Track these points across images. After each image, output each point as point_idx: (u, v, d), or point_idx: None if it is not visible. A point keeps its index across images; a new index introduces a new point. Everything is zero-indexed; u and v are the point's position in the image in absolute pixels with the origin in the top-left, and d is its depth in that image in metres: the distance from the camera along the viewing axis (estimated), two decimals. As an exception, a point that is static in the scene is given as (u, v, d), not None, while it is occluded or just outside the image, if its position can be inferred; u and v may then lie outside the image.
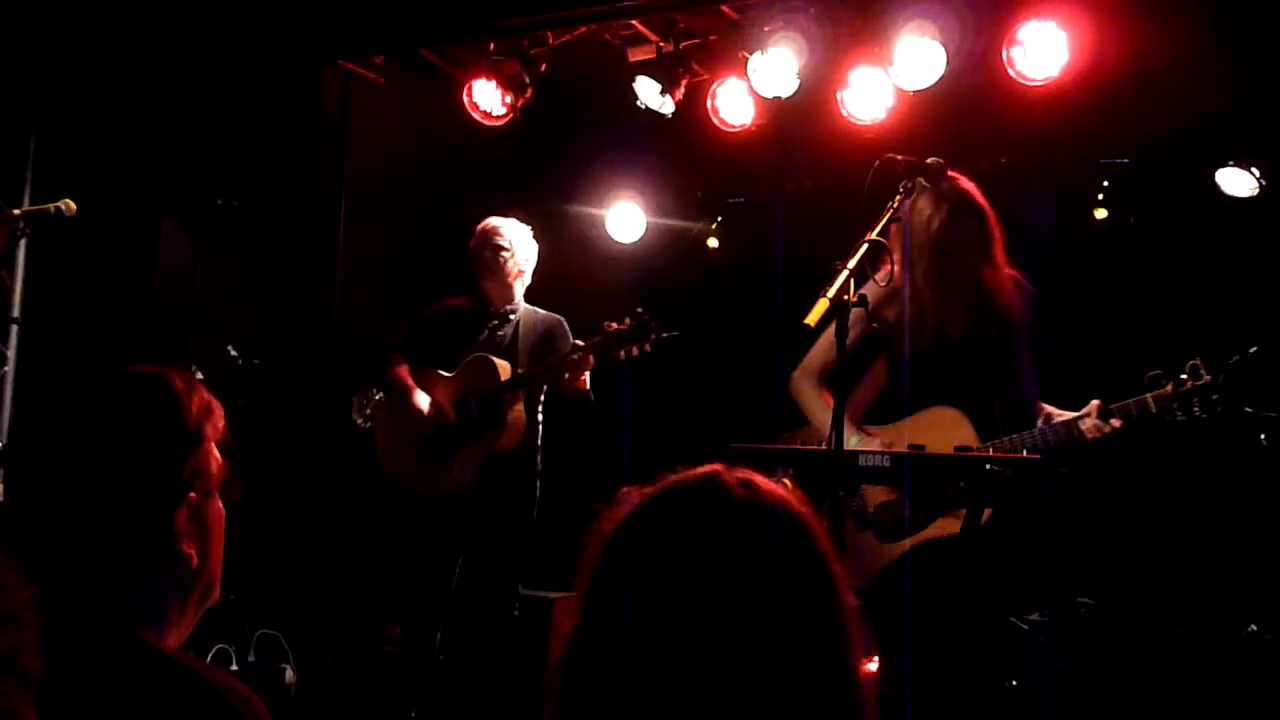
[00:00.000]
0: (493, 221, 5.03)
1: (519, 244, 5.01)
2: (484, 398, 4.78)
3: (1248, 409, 4.43)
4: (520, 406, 4.79)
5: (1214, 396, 3.49)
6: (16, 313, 5.66)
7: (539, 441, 4.96)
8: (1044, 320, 4.07)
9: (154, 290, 5.89)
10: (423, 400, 4.86)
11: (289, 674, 5.42)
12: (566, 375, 4.64)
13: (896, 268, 3.52)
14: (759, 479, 1.26)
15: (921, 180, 3.52)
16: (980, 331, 3.83)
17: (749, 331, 4.22)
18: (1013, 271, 3.87)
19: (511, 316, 5.00)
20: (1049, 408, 3.80)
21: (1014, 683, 4.42)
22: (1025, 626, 4.52)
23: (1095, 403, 3.62)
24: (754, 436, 3.98)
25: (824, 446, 3.60)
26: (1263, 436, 4.41)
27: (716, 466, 1.27)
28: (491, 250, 4.96)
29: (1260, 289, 5.16)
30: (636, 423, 6.47)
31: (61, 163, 5.72)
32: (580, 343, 4.70)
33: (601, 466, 6.03)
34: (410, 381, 4.90)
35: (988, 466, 3.34)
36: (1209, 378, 3.50)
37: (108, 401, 1.58)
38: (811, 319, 3.15)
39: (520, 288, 5.05)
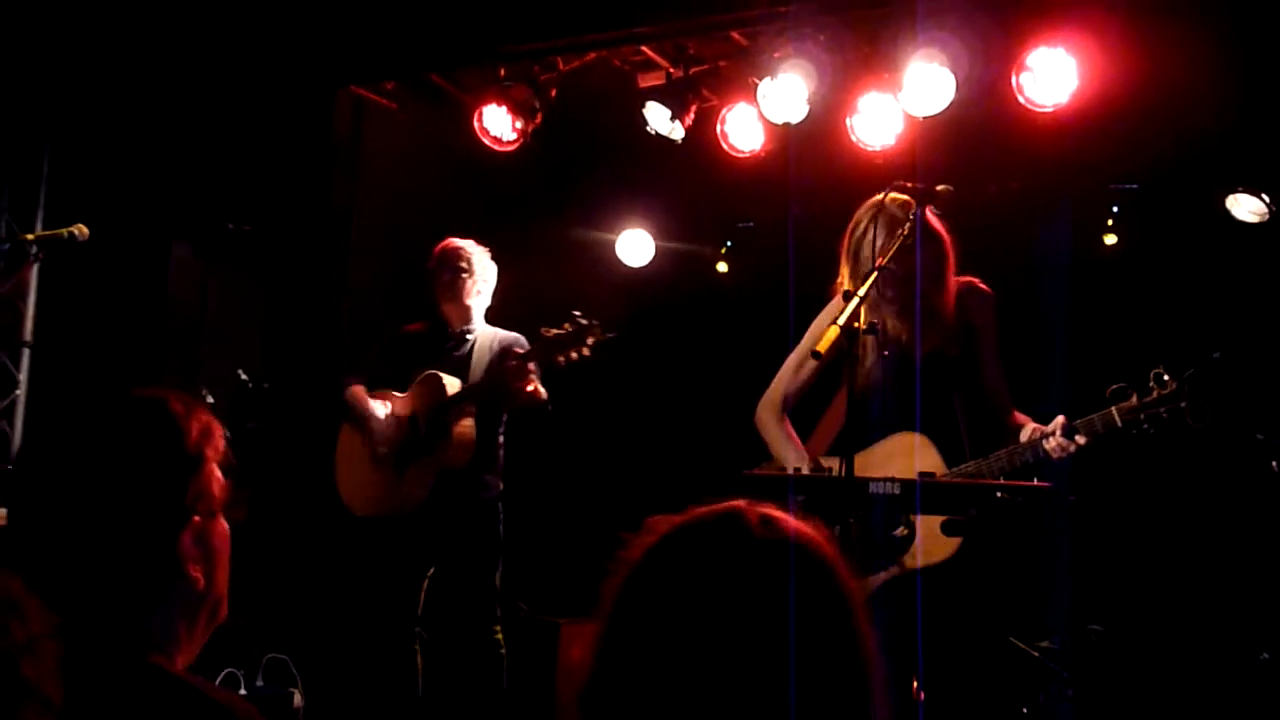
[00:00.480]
0: (451, 243, 5.03)
1: (477, 265, 5.00)
2: (431, 414, 4.78)
3: (1259, 435, 4.43)
4: (468, 421, 4.78)
5: (1181, 405, 3.33)
6: (29, 336, 5.69)
7: (499, 463, 4.94)
8: (1054, 344, 4.05)
9: (165, 314, 5.91)
10: (380, 410, 4.86)
11: (297, 698, 5.41)
12: (514, 387, 4.65)
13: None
14: (782, 515, 1.25)
15: (931, 207, 3.50)
16: (942, 353, 3.73)
17: (758, 356, 4.24)
18: (970, 278, 3.78)
19: (469, 337, 5.00)
20: (1023, 417, 3.69)
21: (1025, 710, 4.41)
22: (1036, 653, 4.50)
23: (1060, 419, 3.48)
24: (761, 462, 3.97)
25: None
26: (1275, 464, 4.41)
27: (739, 502, 1.26)
28: (451, 272, 4.96)
29: (1268, 311, 5.16)
30: (646, 446, 6.48)
31: (74, 187, 5.76)
32: (519, 350, 4.71)
33: (609, 491, 6.04)
34: (365, 400, 4.90)
35: (998, 494, 3.30)
36: (1174, 385, 3.36)
37: (109, 427, 1.58)
38: (823, 346, 3.12)
39: (479, 308, 5.04)
